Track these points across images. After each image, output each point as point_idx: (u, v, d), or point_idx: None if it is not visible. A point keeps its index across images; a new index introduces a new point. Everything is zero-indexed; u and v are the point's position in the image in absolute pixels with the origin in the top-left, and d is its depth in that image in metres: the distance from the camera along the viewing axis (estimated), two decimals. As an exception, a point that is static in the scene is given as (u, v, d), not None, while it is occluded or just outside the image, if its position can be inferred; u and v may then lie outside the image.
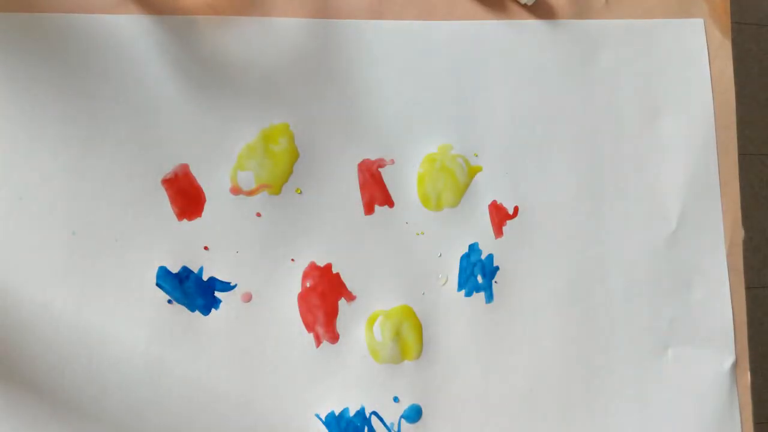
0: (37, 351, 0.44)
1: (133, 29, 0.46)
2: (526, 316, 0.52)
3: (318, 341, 0.49)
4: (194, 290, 0.47)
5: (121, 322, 0.45)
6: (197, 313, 0.47)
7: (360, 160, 0.50)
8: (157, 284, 0.46)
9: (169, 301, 0.46)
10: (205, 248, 0.47)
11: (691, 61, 0.56)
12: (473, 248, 0.51)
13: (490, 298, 0.52)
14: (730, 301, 0.55)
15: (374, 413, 0.49)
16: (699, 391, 0.54)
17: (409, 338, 0.50)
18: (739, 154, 0.57)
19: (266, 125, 0.48)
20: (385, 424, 0.49)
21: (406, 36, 0.51)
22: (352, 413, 0.49)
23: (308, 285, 0.49)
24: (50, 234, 0.44)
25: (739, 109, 0.57)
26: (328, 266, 0.49)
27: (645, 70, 0.55)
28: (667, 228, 0.54)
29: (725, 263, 0.55)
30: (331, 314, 0.49)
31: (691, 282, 0.54)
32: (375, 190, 0.50)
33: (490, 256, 0.52)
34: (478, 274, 0.51)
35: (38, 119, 0.44)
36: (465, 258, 0.51)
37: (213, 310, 0.47)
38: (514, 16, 0.53)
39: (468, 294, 0.51)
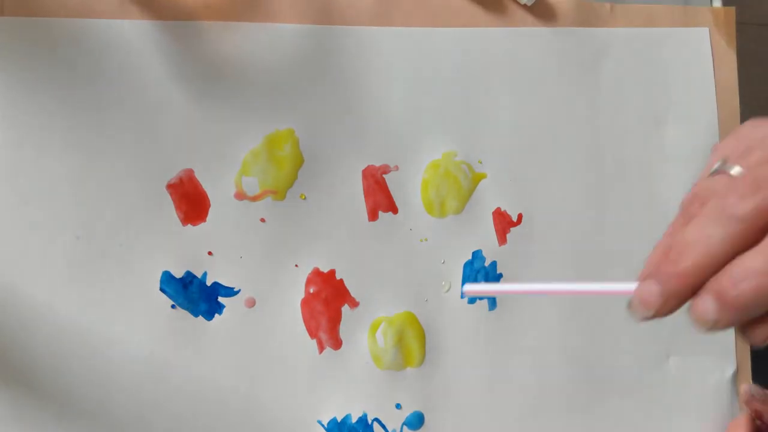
0: (40, 355, 0.44)
1: (137, 34, 0.46)
2: (529, 323, 0.52)
3: (321, 347, 0.49)
4: (198, 295, 0.47)
5: (125, 327, 0.45)
6: (201, 318, 0.47)
7: (364, 166, 0.50)
8: (161, 289, 0.46)
9: (173, 306, 0.46)
10: (209, 253, 0.47)
11: (696, 70, 0.56)
12: (477, 255, 0.52)
13: (493, 305, 0.52)
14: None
15: (376, 420, 0.49)
16: (700, 400, 0.54)
17: (412, 345, 0.50)
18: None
19: (271, 131, 0.48)
20: (387, 431, 0.49)
21: (411, 42, 0.51)
22: (354, 420, 0.49)
23: (312, 291, 0.49)
24: (54, 238, 0.44)
25: (740, 112, 0.57)
26: (332, 272, 0.49)
27: (649, 77, 0.55)
28: (669, 236, 0.54)
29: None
30: (334, 320, 0.49)
31: (693, 290, 0.54)
32: (379, 197, 0.50)
33: (494, 264, 0.52)
34: (481, 281, 0.51)
35: (42, 124, 0.44)
36: (468, 265, 0.51)
37: (216, 315, 0.47)
38: (520, 23, 0.53)
39: (471, 301, 0.51)
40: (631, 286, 0.28)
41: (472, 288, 0.35)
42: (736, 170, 0.28)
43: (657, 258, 0.29)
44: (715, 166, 0.29)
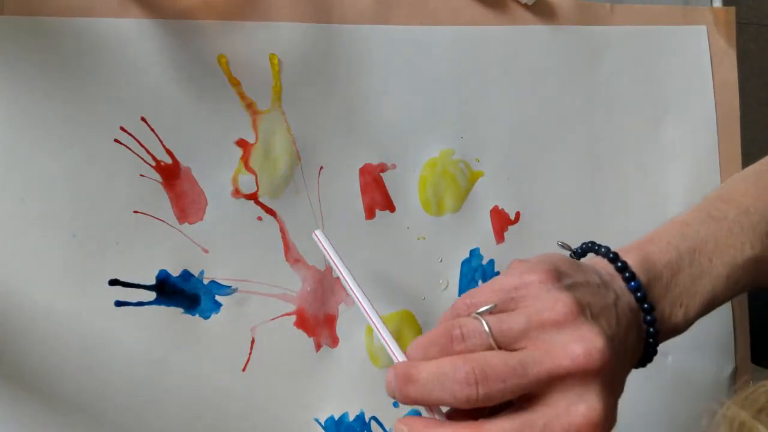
0: (36, 353, 0.44)
1: (135, 33, 0.45)
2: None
3: (318, 345, 0.49)
4: (194, 294, 0.47)
5: (121, 326, 0.45)
6: (197, 316, 0.47)
7: (361, 164, 0.50)
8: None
9: (170, 305, 0.46)
10: (206, 251, 0.47)
11: (694, 68, 0.56)
12: (474, 253, 0.51)
13: (490, 303, 0.52)
14: (730, 308, 0.55)
15: (374, 418, 0.49)
16: (698, 399, 0.54)
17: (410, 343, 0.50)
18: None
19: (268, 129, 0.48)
20: (384, 429, 0.49)
21: (408, 40, 0.51)
22: (351, 418, 0.49)
23: (309, 289, 0.49)
24: (51, 236, 0.44)
25: (741, 111, 0.57)
26: (329, 270, 0.49)
27: (648, 76, 0.55)
28: (668, 234, 0.54)
29: (726, 270, 0.55)
30: (332, 318, 0.49)
31: (691, 289, 0.54)
32: (376, 195, 0.50)
33: (491, 262, 0.52)
34: (479, 279, 0.51)
35: (40, 121, 0.44)
36: (466, 263, 0.51)
37: (213, 314, 0.47)
38: (519, 21, 0.53)
39: (468, 299, 0.51)
40: (401, 358, 0.37)
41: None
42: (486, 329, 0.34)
43: (414, 352, 0.37)
44: (483, 308, 0.35)
